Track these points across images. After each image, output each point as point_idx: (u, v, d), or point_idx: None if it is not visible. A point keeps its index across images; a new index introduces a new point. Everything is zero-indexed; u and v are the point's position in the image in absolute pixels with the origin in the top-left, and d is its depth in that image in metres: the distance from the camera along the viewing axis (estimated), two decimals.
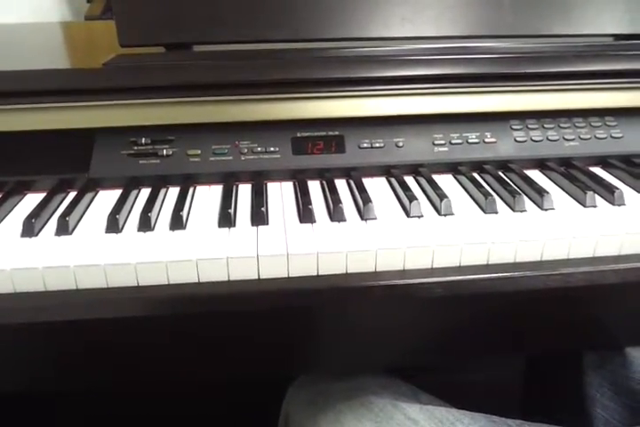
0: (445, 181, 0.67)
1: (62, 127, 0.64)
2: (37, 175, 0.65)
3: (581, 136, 0.70)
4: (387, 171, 0.68)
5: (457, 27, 0.71)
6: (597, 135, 0.70)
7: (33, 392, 0.75)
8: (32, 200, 0.63)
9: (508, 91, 0.69)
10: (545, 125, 0.70)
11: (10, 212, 0.61)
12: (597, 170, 0.70)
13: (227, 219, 0.58)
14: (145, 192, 0.64)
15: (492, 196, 0.60)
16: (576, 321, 0.65)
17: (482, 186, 0.63)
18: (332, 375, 0.70)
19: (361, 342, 0.63)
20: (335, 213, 0.58)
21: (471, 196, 0.63)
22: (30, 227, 0.56)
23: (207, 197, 0.64)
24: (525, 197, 0.61)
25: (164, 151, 0.65)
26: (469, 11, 0.71)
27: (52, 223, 0.57)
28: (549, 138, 0.70)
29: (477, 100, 0.68)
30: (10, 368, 0.60)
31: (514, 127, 0.70)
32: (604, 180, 0.65)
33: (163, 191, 0.64)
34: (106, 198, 0.64)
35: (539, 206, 0.61)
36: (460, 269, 0.55)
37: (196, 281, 0.53)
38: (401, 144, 0.68)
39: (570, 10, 0.72)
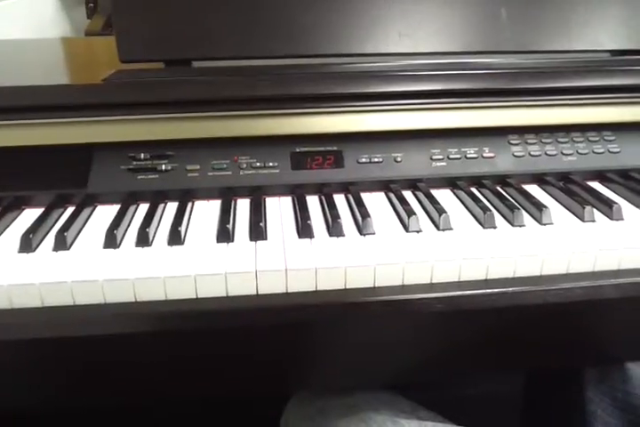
0: (444, 196, 0.67)
1: (61, 142, 0.64)
2: (35, 190, 0.65)
3: (579, 151, 0.70)
4: (385, 186, 0.68)
5: (455, 42, 0.71)
6: (595, 150, 0.70)
7: (26, 410, 0.74)
8: (30, 215, 0.63)
9: (506, 106, 0.69)
10: (543, 140, 0.71)
11: (7, 227, 0.61)
12: (595, 185, 0.70)
13: (225, 234, 0.58)
14: (143, 207, 0.64)
15: (490, 211, 0.60)
16: (576, 336, 0.64)
17: (480, 201, 0.63)
18: (330, 391, 0.69)
19: (360, 358, 0.62)
20: (334, 229, 0.58)
21: (470, 211, 0.63)
22: (28, 242, 0.56)
23: (206, 213, 0.64)
24: (524, 212, 0.61)
25: (163, 166, 0.66)
26: (467, 27, 0.71)
27: (50, 239, 0.57)
28: (547, 153, 0.70)
29: (475, 116, 0.69)
30: (5, 385, 0.60)
31: (512, 142, 0.70)
32: (602, 194, 0.65)
33: (161, 206, 0.64)
34: (104, 213, 0.64)
35: (537, 221, 0.61)
36: (459, 285, 0.55)
37: (194, 297, 0.53)
38: (399, 159, 0.68)
39: (567, 26, 0.72)
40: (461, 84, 0.68)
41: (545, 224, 0.60)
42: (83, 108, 0.64)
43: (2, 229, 0.61)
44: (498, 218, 0.61)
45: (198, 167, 0.66)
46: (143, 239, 0.57)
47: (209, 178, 0.66)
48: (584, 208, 0.61)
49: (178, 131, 0.66)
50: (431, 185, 0.68)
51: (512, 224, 0.60)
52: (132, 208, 0.64)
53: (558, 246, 0.56)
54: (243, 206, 0.65)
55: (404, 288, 0.54)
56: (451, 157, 0.68)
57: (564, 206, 0.65)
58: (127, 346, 0.56)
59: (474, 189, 0.67)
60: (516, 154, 0.69)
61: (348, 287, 0.54)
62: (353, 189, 0.66)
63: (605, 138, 0.71)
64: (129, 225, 0.61)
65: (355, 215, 0.62)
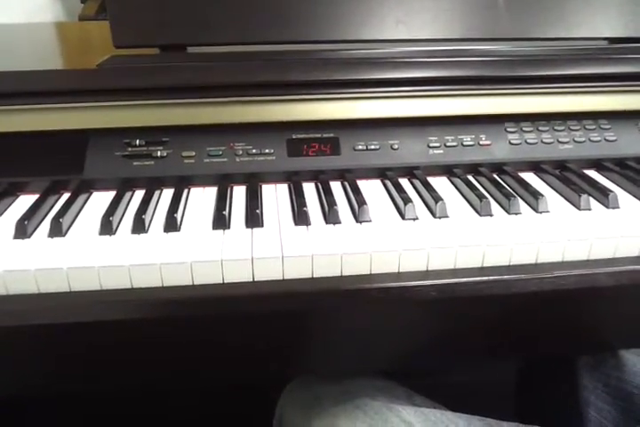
0: (440, 184, 0.67)
1: (56, 128, 0.64)
2: (31, 177, 0.65)
3: (576, 139, 0.70)
4: (382, 173, 0.68)
5: (452, 29, 0.71)
6: (591, 138, 0.70)
7: (21, 396, 0.75)
8: (25, 202, 0.63)
9: (503, 93, 0.69)
10: (539, 128, 0.70)
11: (2, 213, 0.61)
12: (592, 173, 0.70)
13: (221, 221, 0.57)
14: (139, 194, 0.64)
15: (486, 198, 0.60)
16: (570, 324, 0.65)
17: (477, 188, 0.63)
18: (326, 378, 0.70)
19: (355, 345, 0.62)
20: (330, 216, 0.58)
21: (466, 198, 0.64)
22: (23, 228, 0.56)
23: (201, 199, 0.64)
24: (520, 200, 0.61)
25: (159, 153, 0.65)
26: (464, 13, 0.71)
27: (46, 225, 0.57)
28: (544, 141, 0.70)
29: (472, 103, 0.68)
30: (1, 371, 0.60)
31: (509, 130, 0.70)
32: (598, 183, 0.65)
33: (157, 193, 0.64)
34: (99, 200, 0.63)
35: (533, 209, 0.61)
36: (454, 272, 0.55)
37: (191, 284, 0.53)
38: (396, 146, 0.68)
39: (564, 13, 0.72)
40: (458, 71, 0.67)
41: (541, 212, 0.60)
42: (77, 93, 0.63)
43: None
44: (494, 206, 0.61)
45: (194, 154, 0.66)
46: (139, 226, 0.57)
47: (205, 165, 0.65)
48: (580, 196, 0.61)
49: (173, 117, 0.65)
50: (428, 173, 0.68)
51: (508, 212, 0.60)
52: (127, 195, 0.63)
53: (554, 234, 0.56)
54: (239, 193, 0.65)
55: (399, 275, 0.54)
56: (447, 144, 0.68)
57: (561, 194, 0.65)
58: (123, 333, 0.56)
59: (470, 177, 0.67)
60: (512, 142, 0.69)
61: (344, 274, 0.54)
62: (349, 177, 0.66)
63: (602, 126, 0.71)
64: (125, 212, 0.61)
65: (351, 203, 0.62)
